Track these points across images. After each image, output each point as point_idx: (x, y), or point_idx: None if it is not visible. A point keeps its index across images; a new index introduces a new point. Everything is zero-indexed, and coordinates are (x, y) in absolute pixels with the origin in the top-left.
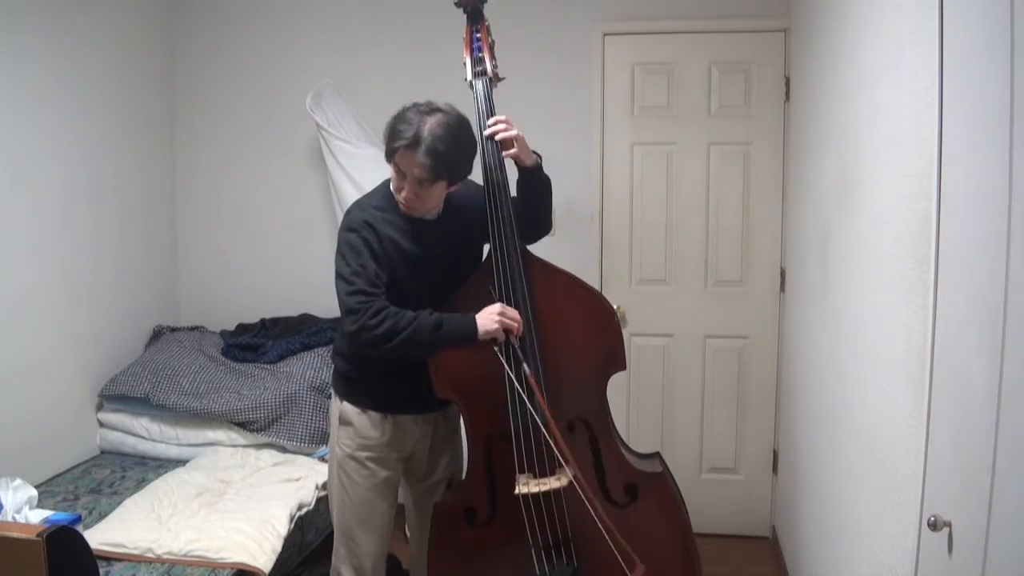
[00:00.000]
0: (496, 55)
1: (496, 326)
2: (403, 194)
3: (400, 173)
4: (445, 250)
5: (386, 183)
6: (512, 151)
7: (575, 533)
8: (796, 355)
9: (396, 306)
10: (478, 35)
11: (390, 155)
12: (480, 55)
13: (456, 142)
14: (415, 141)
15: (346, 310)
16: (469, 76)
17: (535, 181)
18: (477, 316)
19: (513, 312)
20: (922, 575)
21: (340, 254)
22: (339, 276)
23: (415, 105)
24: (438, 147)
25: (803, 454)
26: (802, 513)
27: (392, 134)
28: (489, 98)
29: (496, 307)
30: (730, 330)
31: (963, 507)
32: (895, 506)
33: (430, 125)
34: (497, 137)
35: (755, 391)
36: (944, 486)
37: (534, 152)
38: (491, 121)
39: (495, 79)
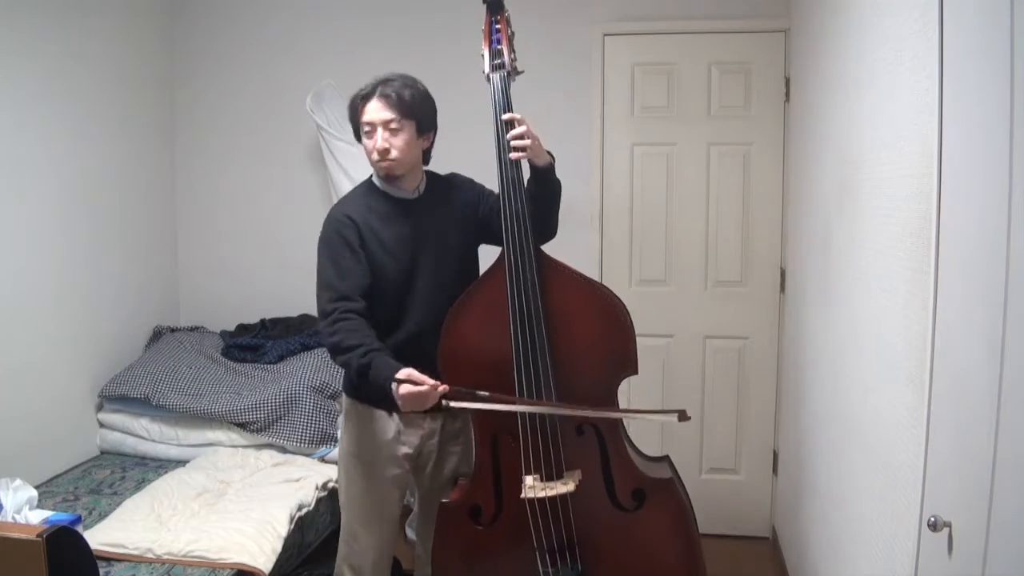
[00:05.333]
0: (515, 48)
1: (408, 406)
2: (376, 147)
3: (369, 132)
4: (430, 233)
5: (367, 180)
6: (522, 154)
7: (580, 537)
8: (796, 355)
9: (386, 299)
10: (497, 26)
11: (355, 114)
12: (499, 47)
13: (413, 83)
14: (373, 89)
15: (318, 310)
16: (486, 69)
17: (546, 182)
18: (395, 385)
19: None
20: (922, 575)
21: (319, 257)
22: (318, 277)
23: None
24: (396, 87)
25: (803, 454)
26: (802, 513)
27: (352, 102)
28: (506, 92)
29: (411, 389)
30: (730, 330)
31: (963, 507)
32: (895, 506)
33: (384, 78)
34: (512, 143)
35: (755, 391)
36: (944, 486)
37: (548, 152)
38: (506, 117)
39: (513, 72)
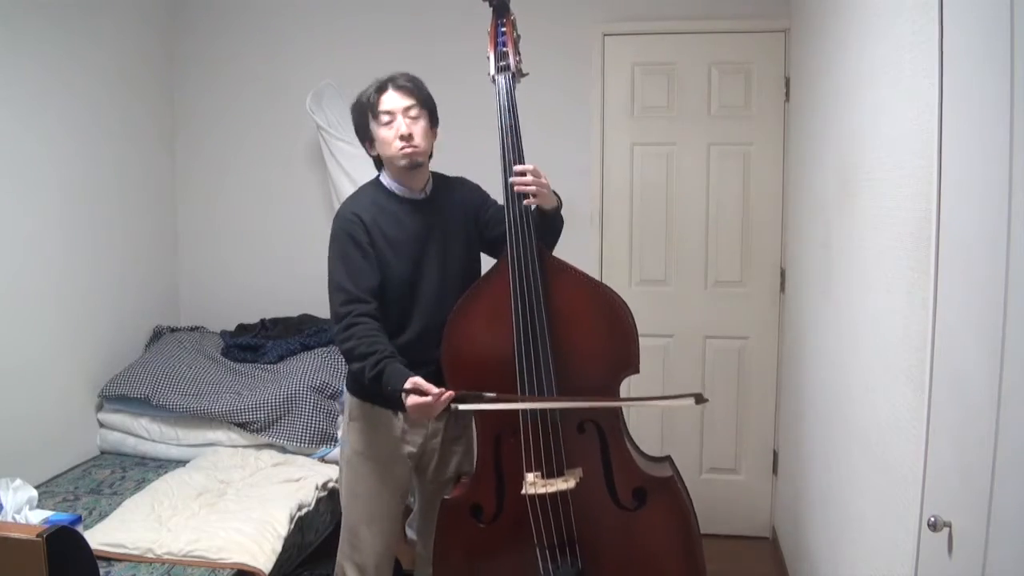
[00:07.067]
0: (521, 50)
1: (415, 415)
2: (400, 132)
3: (389, 121)
4: (436, 234)
5: (374, 179)
6: (531, 201)
7: (581, 535)
8: (796, 355)
9: (392, 298)
10: (503, 29)
11: (367, 109)
12: (504, 50)
13: (420, 80)
14: (385, 82)
15: (331, 312)
16: (492, 71)
17: (552, 219)
18: (405, 397)
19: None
20: (922, 575)
21: (330, 256)
22: (329, 278)
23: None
24: (408, 78)
25: (803, 454)
26: (802, 513)
27: (361, 100)
28: (511, 94)
29: (417, 400)
30: (730, 330)
31: (963, 507)
32: (895, 506)
33: (390, 76)
34: (517, 189)
35: (755, 391)
36: (944, 486)
37: (555, 193)
38: (518, 168)
39: (518, 75)
